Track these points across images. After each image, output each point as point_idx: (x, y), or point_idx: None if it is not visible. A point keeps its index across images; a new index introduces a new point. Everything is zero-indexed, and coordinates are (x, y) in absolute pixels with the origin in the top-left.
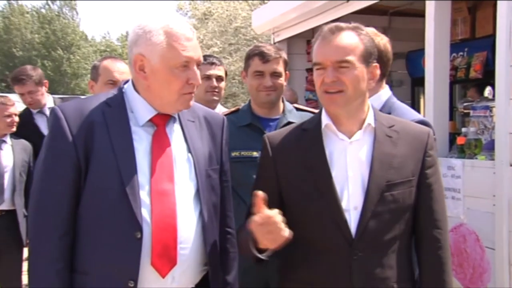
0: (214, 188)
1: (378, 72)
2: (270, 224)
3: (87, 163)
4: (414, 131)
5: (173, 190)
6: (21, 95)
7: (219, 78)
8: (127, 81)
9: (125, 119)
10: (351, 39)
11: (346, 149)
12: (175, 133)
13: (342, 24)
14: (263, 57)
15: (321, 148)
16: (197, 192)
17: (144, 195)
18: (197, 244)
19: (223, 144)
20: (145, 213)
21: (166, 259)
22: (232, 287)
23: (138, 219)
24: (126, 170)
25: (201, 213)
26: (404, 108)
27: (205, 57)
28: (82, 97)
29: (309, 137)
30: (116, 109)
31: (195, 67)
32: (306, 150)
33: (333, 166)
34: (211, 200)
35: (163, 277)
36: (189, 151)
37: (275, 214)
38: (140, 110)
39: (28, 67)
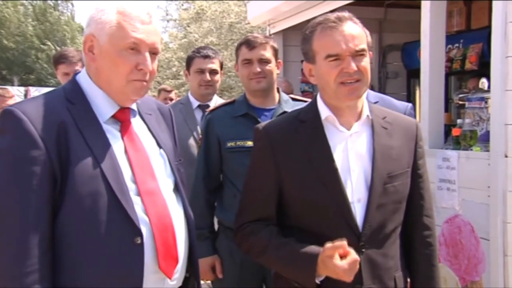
0: (183, 182)
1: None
2: (356, 265)
3: (62, 169)
4: (404, 122)
5: (158, 187)
6: None
7: (212, 72)
8: (78, 72)
9: (94, 117)
10: (359, 28)
11: (347, 141)
12: (139, 127)
13: (345, 14)
14: (249, 44)
15: (324, 141)
16: (176, 187)
17: (134, 197)
18: (185, 238)
19: (176, 136)
20: (141, 216)
21: (170, 260)
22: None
23: (135, 224)
24: (111, 172)
25: (184, 208)
26: (386, 97)
27: (198, 49)
28: None
29: (309, 129)
30: (80, 105)
31: (147, 53)
32: (308, 142)
33: (335, 158)
34: (185, 194)
35: (171, 278)
36: (159, 146)
37: (354, 253)
38: (102, 104)
39: None
